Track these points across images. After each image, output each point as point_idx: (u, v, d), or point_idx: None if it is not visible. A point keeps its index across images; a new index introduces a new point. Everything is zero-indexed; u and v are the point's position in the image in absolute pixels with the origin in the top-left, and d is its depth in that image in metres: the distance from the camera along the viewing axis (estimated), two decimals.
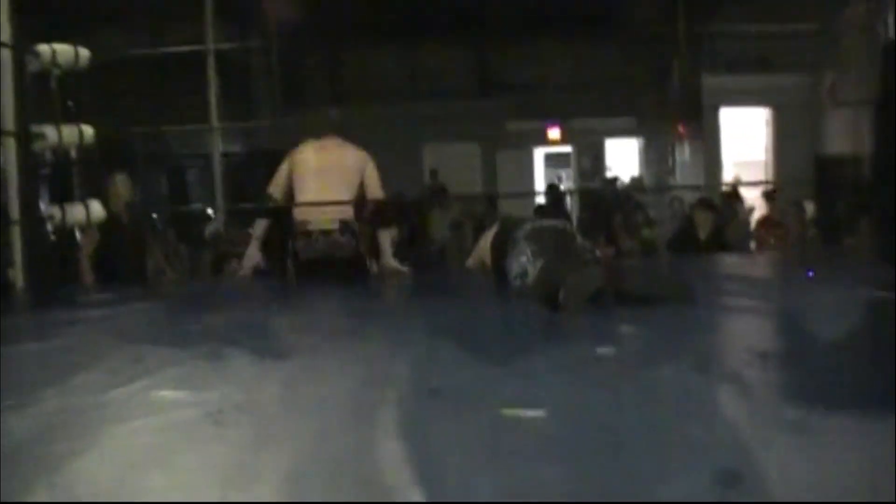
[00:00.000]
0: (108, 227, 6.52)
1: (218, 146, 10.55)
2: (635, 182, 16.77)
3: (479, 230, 10.86)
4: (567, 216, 12.30)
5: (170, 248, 10.17)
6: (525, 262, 4.15)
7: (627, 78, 17.84)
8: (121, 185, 6.78)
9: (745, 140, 15.24)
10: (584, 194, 16.90)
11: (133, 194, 7.01)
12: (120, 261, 6.67)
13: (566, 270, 3.83)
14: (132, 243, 6.93)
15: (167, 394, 2.57)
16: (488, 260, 4.91)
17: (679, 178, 16.12)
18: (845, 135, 12.28)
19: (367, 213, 7.80)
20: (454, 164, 16.81)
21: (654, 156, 17.94)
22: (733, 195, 10.79)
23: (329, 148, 5.81)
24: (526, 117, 17.14)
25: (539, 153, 19.28)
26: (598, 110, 17.52)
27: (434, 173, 15.90)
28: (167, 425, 2.26)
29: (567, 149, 19.25)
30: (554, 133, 18.64)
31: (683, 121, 16.02)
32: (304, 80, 18.69)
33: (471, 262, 5.68)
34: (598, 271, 3.87)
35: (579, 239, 4.47)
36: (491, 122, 17.75)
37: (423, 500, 1.64)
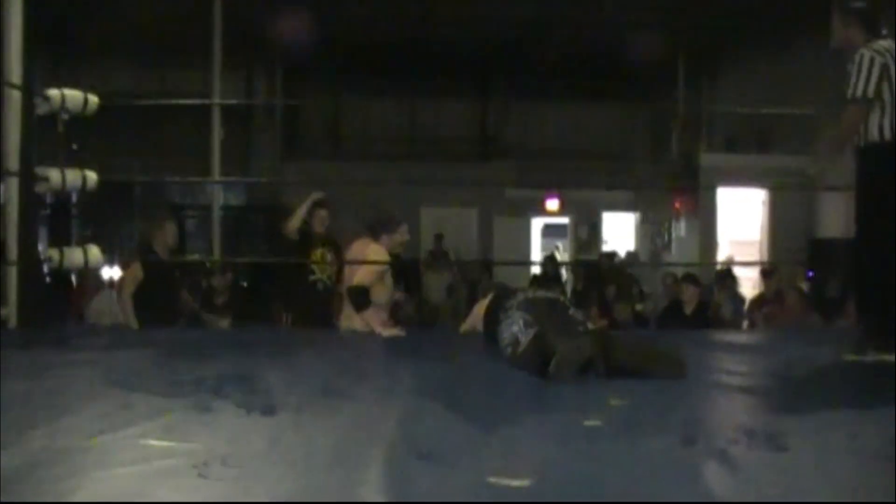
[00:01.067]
0: (151, 268, 6.96)
1: (218, 199, 10.61)
2: (631, 256, 16.83)
3: (474, 295, 10.90)
4: (563, 286, 12.35)
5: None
6: (516, 332, 4.19)
7: (627, 152, 18.02)
8: (168, 230, 7.19)
9: (741, 219, 15.33)
10: (579, 265, 16.97)
11: (176, 240, 7.38)
12: (159, 300, 6.97)
13: (557, 340, 3.86)
14: (170, 285, 7.25)
15: (154, 442, 2.58)
16: (480, 327, 4.95)
17: (675, 253, 16.17)
18: (839, 217, 12.38)
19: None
20: (451, 228, 16.87)
21: (650, 231, 18.03)
22: (726, 274, 10.84)
23: None
24: (525, 186, 17.24)
25: (537, 223, 19.36)
26: (595, 182, 17.66)
27: (439, 238, 15.93)
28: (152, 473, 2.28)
29: (564, 220, 19.34)
30: (552, 203, 18.74)
31: (681, 197, 16.14)
32: (305, 137, 18.85)
33: (464, 327, 5.72)
34: (589, 341, 3.90)
35: (572, 310, 4.50)
36: (490, 188, 17.86)
37: None
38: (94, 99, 5.75)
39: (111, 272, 10.37)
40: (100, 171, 5.85)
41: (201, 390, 3.38)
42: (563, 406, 3.28)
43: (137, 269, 6.96)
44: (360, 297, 5.93)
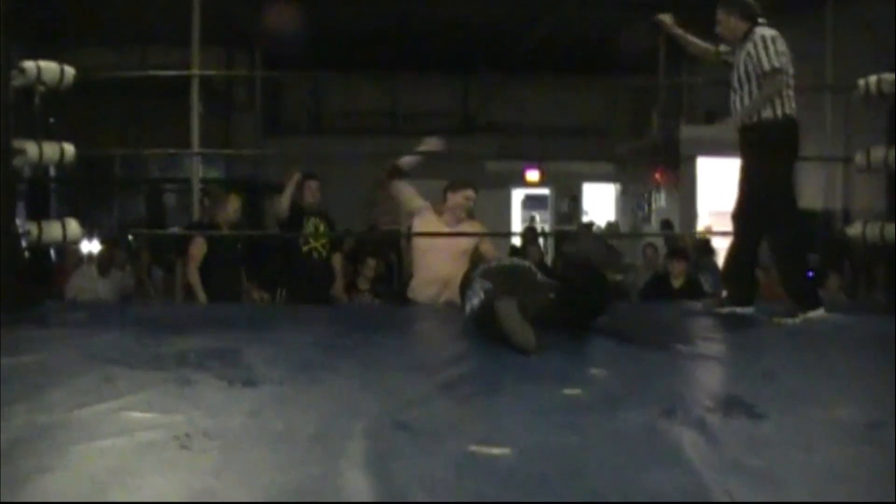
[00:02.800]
0: (214, 241, 6.98)
1: (198, 172, 10.53)
2: (611, 227, 16.85)
3: None
4: (542, 257, 12.34)
5: (143, 270, 10.17)
6: (473, 298, 4.22)
7: (607, 124, 18.03)
8: (232, 203, 7.19)
9: (721, 190, 15.33)
10: (559, 235, 17.00)
11: (239, 214, 7.35)
12: (218, 274, 6.98)
13: (506, 298, 3.92)
14: (233, 259, 7.21)
15: (135, 415, 2.59)
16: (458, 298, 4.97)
17: (654, 225, 16.20)
18: (819, 190, 12.45)
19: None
20: (433, 201, 16.82)
21: (630, 202, 18.06)
22: (704, 245, 10.88)
23: None
24: (506, 158, 17.25)
25: (517, 194, 19.37)
26: (576, 155, 17.66)
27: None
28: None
29: (545, 191, 19.36)
30: (532, 175, 18.74)
31: (661, 169, 16.15)
32: (285, 114, 18.77)
33: (443, 298, 5.76)
34: (528, 300, 3.95)
35: (539, 276, 4.51)
36: (471, 161, 17.84)
37: None
38: (70, 71, 5.69)
39: (90, 247, 10.34)
40: (78, 145, 5.79)
41: (183, 364, 3.38)
42: (543, 376, 3.30)
43: (202, 244, 6.96)
44: None
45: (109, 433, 2.38)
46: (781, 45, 4.89)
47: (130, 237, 12.03)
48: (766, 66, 4.87)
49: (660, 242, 11.41)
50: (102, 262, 9.13)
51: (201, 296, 6.86)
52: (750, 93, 4.96)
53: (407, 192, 6.16)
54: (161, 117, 13.84)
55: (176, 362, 3.42)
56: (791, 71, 4.96)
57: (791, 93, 4.94)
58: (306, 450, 2.28)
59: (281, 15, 12.79)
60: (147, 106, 14.90)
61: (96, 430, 2.42)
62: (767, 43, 4.87)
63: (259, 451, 2.28)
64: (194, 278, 6.92)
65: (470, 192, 6.13)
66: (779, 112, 4.89)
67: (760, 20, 5.03)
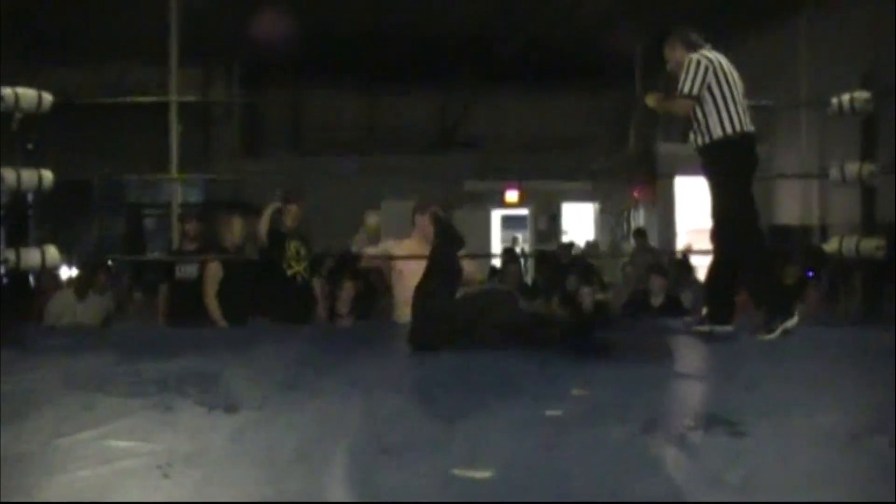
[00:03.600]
0: (228, 265, 7.02)
1: (177, 196, 10.52)
2: (590, 246, 16.89)
3: None
4: (521, 278, 12.35)
5: (125, 294, 10.11)
6: None
7: (586, 143, 18.09)
8: (235, 225, 7.22)
9: (700, 208, 15.35)
10: (539, 256, 17.03)
11: (244, 235, 7.32)
12: (235, 297, 7.00)
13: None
14: (244, 281, 7.16)
15: (116, 443, 2.58)
16: None
17: (633, 243, 16.26)
18: (796, 204, 12.53)
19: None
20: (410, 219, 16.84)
21: (609, 221, 18.11)
22: (683, 263, 10.93)
23: None
24: (485, 177, 17.28)
25: (496, 214, 19.38)
26: (555, 173, 17.70)
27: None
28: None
29: (524, 211, 19.38)
30: (511, 195, 18.75)
31: (639, 187, 16.22)
32: (264, 133, 18.75)
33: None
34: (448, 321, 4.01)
35: (519, 303, 4.59)
36: (449, 180, 17.89)
37: None
38: (47, 97, 5.68)
39: (69, 272, 10.28)
40: (56, 170, 5.77)
41: (163, 389, 3.37)
42: (525, 396, 3.31)
43: (217, 268, 6.97)
44: None
45: (90, 462, 2.37)
46: (702, 71, 4.99)
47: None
48: (679, 89, 5.05)
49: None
50: (79, 286, 9.07)
51: (219, 320, 6.86)
52: (696, 116, 5.07)
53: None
54: (139, 136, 13.79)
55: (156, 387, 3.41)
56: (731, 89, 5.04)
57: (739, 108, 5.03)
58: (287, 473, 2.28)
59: (262, 30, 12.81)
60: (125, 125, 14.84)
61: (76, 460, 2.40)
62: (689, 67, 5.02)
63: (240, 477, 2.27)
64: (212, 303, 6.92)
65: (438, 210, 6.18)
66: (728, 130, 4.99)
67: (705, 47, 5.16)
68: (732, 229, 5.08)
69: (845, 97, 5.76)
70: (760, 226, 5.34)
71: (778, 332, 4.86)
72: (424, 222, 6.13)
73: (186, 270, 7.25)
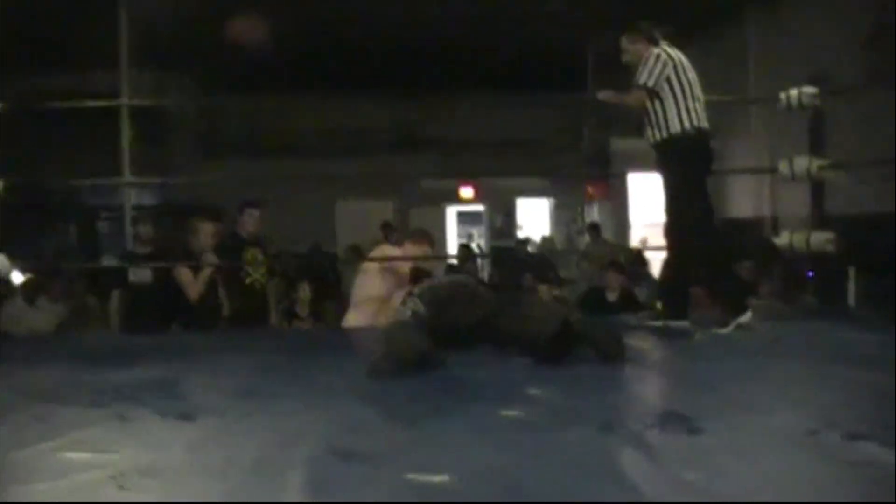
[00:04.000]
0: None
1: (130, 200, 10.42)
2: (546, 242, 16.96)
3: None
4: (478, 274, 12.37)
5: (78, 300, 9.98)
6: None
7: (540, 139, 18.15)
8: (204, 229, 7.00)
9: (655, 202, 15.43)
10: (495, 252, 17.10)
11: (213, 240, 7.15)
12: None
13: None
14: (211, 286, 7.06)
15: (71, 455, 2.56)
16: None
17: (588, 237, 16.35)
18: (749, 198, 12.65)
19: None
20: (367, 220, 16.87)
21: (564, 216, 18.20)
22: (638, 257, 10.99)
23: None
24: (439, 175, 17.31)
25: (452, 211, 19.43)
26: (510, 170, 17.76)
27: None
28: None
29: (479, 207, 19.45)
30: (467, 192, 18.83)
31: (593, 182, 16.31)
32: (220, 136, 18.61)
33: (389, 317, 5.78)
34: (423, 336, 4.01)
35: (480, 289, 4.59)
36: (404, 179, 17.92)
37: None
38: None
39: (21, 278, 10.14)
40: (9, 176, 5.71)
41: (119, 399, 3.34)
42: (482, 398, 3.32)
43: (187, 271, 6.86)
44: None
45: (46, 475, 2.35)
46: (661, 65, 5.06)
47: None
48: (635, 80, 5.12)
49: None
50: (27, 293, 8.97)
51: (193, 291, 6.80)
52: (654, 110, 5.11)
53: None
54: (93, 140, 13.62)
55: (112, 397, 3.38)
56: (689, 85, 5.10)
57: (696, 104, 5.09)
58: (246, 482, 2.28)
59: (220, 34, 12.70)
60: (79, 129, 14.64)
61: (32, 473, 2.39)
62: (649, 61, 5.08)
63: (198, 487, 2.26)
64: (187, 276, 6.82)
65: (427, 247, 6.36)
66: (686, 125, 5.05)
67: (663, 42, 5.21)
68: (687, 225, 5.12)
69: (794, 93, 5.82)
70: (716, 221, 5.40)
71: (731, 326, 4.94)
72: (415, 251, 6.22)
73: (140, 275, 7.15)
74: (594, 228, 14.17)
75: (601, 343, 4.09)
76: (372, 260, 6.43)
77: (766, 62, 11.93)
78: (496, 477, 2.29)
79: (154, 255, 7.27)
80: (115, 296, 7.39)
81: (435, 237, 6.80)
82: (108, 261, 12.23)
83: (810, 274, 9.46)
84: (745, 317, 5.01)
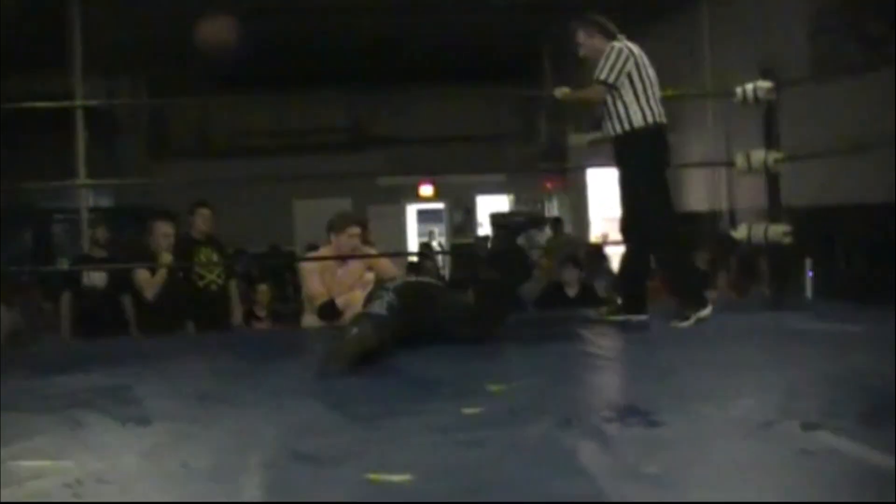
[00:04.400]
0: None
1: (86, 202, 10.31)
2: None
3: None
4: (438, 272, 12.38)
5: (34, 305, 9.85)
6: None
7: (498, 135, 18.20)
8: (160, 229, 6.87)
9: (613, 196, 15.50)
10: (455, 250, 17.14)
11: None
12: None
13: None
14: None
15: (24, 463, 2.51)
16: None
17: (547, 232, 16.40)
18: (704, 191, 12.74)
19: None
20: (325, 219, 16.82)
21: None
22: (597, 251, 11.04)
23: None
24: (398, 173, 17.29)
25: (412, 209, 19.44)
26: (469, 167, 17.80)
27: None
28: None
29: (439, 205, 19.48)
30: (426, 189, 18.85)
31: (551, 177, 16.37)
32: (173, 137, 18.47)
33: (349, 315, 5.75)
34: (373, 330, 4.00)
35: (449, 293, 4.64)
36: (363, 177, 17.90)
37: None
38: None
39: None
40: None
41: (73, 405, 3.29)
42: (441, 396, 3.32)
43: (146, 274, 6.76)
44: None
45: None
46: (622, 60, 5.04)
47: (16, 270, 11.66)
48: (595, 75, 5.10)
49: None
50: None
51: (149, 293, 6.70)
52: (614, 105, 5.10)
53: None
54: (45, 143, 13.46)
55: (66, 403, 3.33)
56: (649, 79, 5.11)
57: (655, 100, 5.10)
58: (203, 487, 2.25)
59: (164, 33, 12.60)
60: (30, 132, 14.47)
61: None
62: (610, 55, 5.06)
63: (154, 493, 2.23)
64: (144, 276, 6.72)
65: (354, 230, 6.13)
66: (649, 119, 5.05)
67: (619, 37, 5.20)
68: (645, 218, 5.13)
69: (749, 87, 5.87)
70: (674, 214, 5.42)
71: (692, 320, 4.97)
72: (343, 240, 6.07)
73: (93, 278, 7.07)
74: (557, 222, 14.23)
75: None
76: (307, 259, 6.32)
77: (719, 53, 12.05)
78: (457, 475, 2.28)
79: (109, 259, 7.19)
80: (66, 300, 7.26)
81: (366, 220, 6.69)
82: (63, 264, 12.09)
83: (810, 274, 9.54)
84: (706, 311, 5.03)
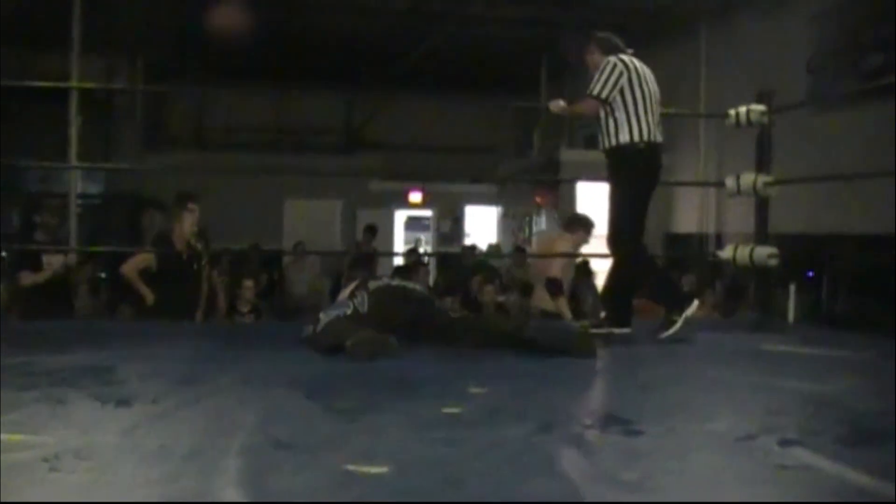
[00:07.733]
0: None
1: (76, 186, 10.27)
2: (493, 249, 16.99)
3: (337, 287, 10.86)
4: (427, 277, 12.37)
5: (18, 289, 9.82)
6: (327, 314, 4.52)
7: (490, 147, 18.22)
8: (186, 219, 6.87)
9: (602, 213, 15.52)
10: (441, 257, 17.12)
11: (193, 229, 7.06)
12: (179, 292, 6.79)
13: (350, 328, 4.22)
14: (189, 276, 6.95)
15: (3, 437, 2.51)
16: None
17: (535, 247, 16.41)
18: (693, 213, 12.80)
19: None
20: (315, 219, 16.81)
21: (511, 225, 18.26)
22: (583, 266, 11.04)
23: None
24: (389, 178, 17.31)
25: (400, 215, 19.43)
26: (459, 176, 17.79)
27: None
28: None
29: (428, 213, 19.48)
30: (415, 196, 18.85)
31: (541, 192, 16.36)
32: (168, 127, 18.42)
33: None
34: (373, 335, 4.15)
35: (435, 303, 4.69)
36: (354, 180, 17.91)
37: None
38: None
39: None
40: None
41: (55, 383, 3.29)
42: (423, 394, 3.33)
43: (150, 258, 6.76)
44: (557, 287, 7.43)
45: None
46: (615, 75, 5.03)
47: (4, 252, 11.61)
48: (589, 90, 5.10)
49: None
50: None
51: (148, 295, 6.67)
52: (605, 119, 5.11)
53: None
54: (39, 124, 13.41)
55: (48, 381, 3.33)
56: (646, 96, 5.09)
57: (650, 118, 5.08)
58: (180, 467, 2.25)
59: (170, 24, 12.63)
60: (24, 112, 14.41)
61: None
62: (604, 70, 5.05)
63: (131, 470, 2.23)
64: (134, 279, 6.70)
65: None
66: (636, 137, 5.03)
67: (627, 51, 5.21)
68: (625, 234, 5.15)
69: (742, 109, 5.91)
70: (642, 237, 5.32)
71: (680, 321, 4.99)
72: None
73: (53, 261, 7.11)
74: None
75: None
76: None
77: (715, 76, 12.11)
78: (434, 469, 2.29)
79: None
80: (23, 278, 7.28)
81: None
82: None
83: (810, 274, 9.57)
84: (692, 307, 5.07)
